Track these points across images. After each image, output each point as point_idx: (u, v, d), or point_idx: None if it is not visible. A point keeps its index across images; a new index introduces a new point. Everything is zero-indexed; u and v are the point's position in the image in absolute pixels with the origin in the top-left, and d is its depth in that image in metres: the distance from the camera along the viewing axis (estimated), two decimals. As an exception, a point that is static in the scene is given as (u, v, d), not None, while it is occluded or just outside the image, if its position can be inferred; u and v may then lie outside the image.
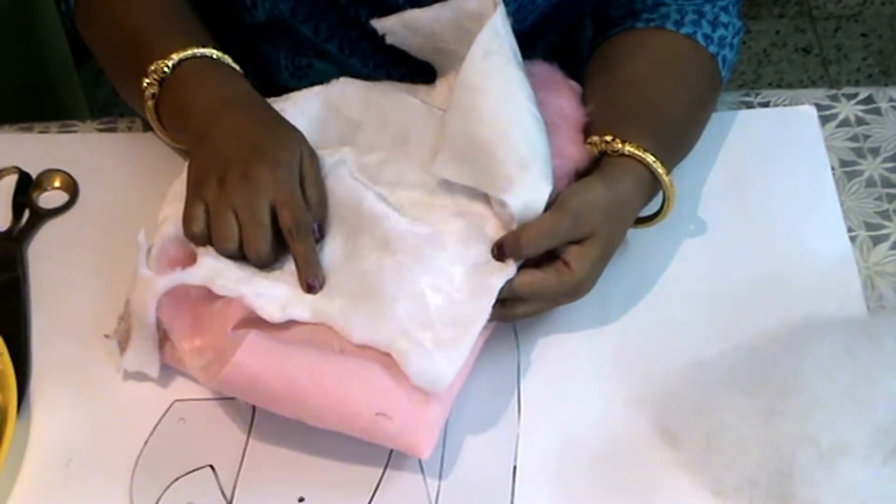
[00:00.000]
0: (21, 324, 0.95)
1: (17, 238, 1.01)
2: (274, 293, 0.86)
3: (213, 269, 0.86)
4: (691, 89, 0.99)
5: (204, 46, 0.95)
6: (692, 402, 0.86)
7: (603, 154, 0.91)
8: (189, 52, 0.94)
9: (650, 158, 0.90)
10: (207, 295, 0.86)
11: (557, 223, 0.86)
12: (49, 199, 1.04)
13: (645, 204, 0.93)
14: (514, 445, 0.86)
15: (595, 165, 0.92)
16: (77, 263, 0.99)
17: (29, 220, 1.02)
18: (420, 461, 0.84)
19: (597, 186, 0.89)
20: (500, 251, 0.86)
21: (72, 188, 1.04)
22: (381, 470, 0.84)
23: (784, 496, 0.80)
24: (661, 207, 0.93)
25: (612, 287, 0.94)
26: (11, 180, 1.05)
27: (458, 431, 0.87)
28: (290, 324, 0.86)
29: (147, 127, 1.07)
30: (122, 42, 0.99)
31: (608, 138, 0.90)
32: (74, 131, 1.09)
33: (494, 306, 0.84)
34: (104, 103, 1.98)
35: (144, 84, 0.94)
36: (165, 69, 0.93)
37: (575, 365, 0.91)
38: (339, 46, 1.05)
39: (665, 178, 0.90)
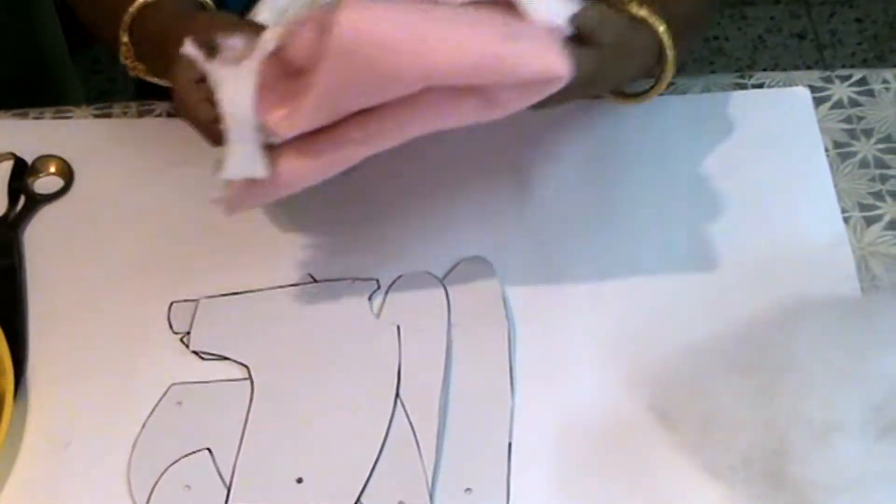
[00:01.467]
0: (17, 309, 0.95)
1: (13, 224, 1.01)
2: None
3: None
4: None
5: None
6: (687, 383, 0.86)
7: None
8: None
9: (661, 27, 0.86)
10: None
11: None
12: (44, 184, 1.04)
13: (644, 70, 0.90)
14: (509, 423, 0.86)
15: None
16: (73, 248, 0.99)
17: (24, 205, 1.02)
18: (416, 439, 0.85)
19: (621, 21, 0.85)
20: None
21: (67, 174, 1.05)
22: (377, 450, 0.85)
23: (778, 475, 0.80)
24: (654, 83, 0.91)
25: (606, 268, 0.95)
26: (7, 166, 1.05)
27: (453, 410, 0.87)
28: None
29: (142, 112, 1.07)
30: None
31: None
32: (69, 117, 1.09)
33: None
34: (100, 91, 1.99)
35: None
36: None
37: (570, 345, 0.91)
38: None
39: (669, 49, 0.87)
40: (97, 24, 1.01)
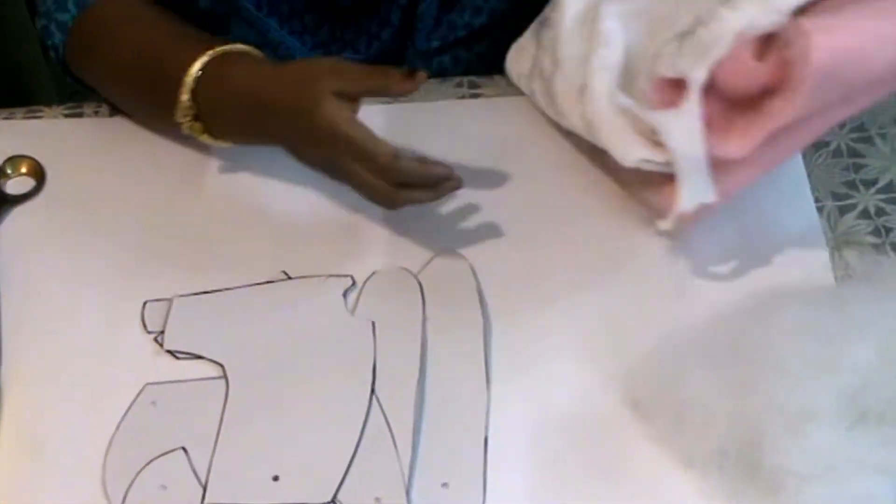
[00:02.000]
0: (-10, 310, 0.95)
1: (-15, 225, 1.01)
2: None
3: (700, 56, 0.84)
4: None
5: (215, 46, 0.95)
6: (662, 375, 0.86)
7: None
8: (212, 53, 0.94)
9: None
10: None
11: None
12: (16, 185, 1.04)
13: None
14: (485, 418, 0.86)
15: None
16: (45, 249, 0.99)
17: (-4, 206, 1.02)
18: (392, 435, 0.85)
19: None
20: None
21: (39, 174, 1.04)
22: (353, 446, 0.84)
23: (753, 465, 0.80)
24: None
25: (581, 262, 0.95)
26: (-23, 167, 1.04)
27: (429, 405, 0.87)
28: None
29: (114, 111, 1.07)
30: (131, 66, 0.99)
31: None
32: (40, 117, 1.09)
33: None
34: (72, 91, 1.98)
35: (181, 95, 0.94)
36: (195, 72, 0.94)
37: (545, 338, 0.91)
38: (280, 23, 1.06)
39: None
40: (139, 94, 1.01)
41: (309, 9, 1.07)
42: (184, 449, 0.86)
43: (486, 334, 0.91)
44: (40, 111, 1.09)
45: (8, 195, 1.03)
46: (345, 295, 0.94)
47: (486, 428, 0.86)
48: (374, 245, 0.98)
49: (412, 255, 0.97)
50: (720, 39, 0.84)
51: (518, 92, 1.07)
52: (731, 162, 0.87)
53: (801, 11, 0.83)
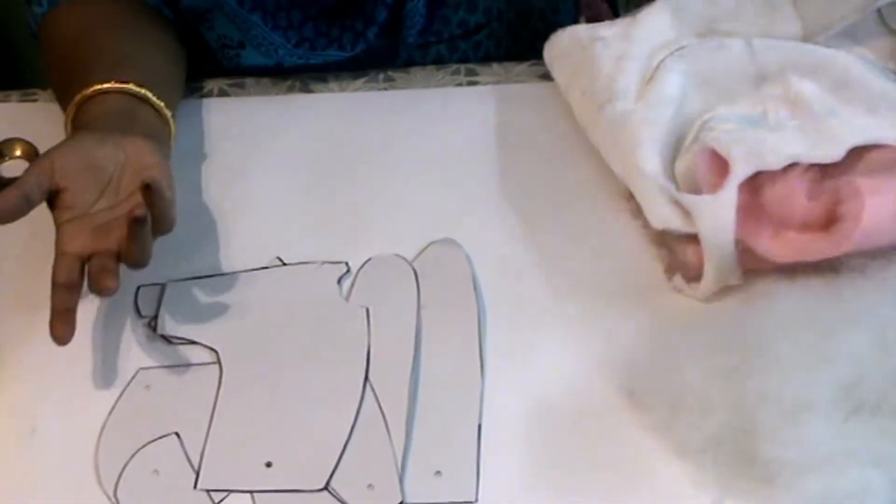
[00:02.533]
0: (-17, 293, 0.94)
1: (-21, 208, 1.00)
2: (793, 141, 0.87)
3: (749, 153, 0.87)
4: None
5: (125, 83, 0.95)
6: (657, 364, 0.86)
7: None
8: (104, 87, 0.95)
9: None
10: (755, 186, 0.87)
11: None
12: (11, 168, 1.03)
13: None
14: (479, 405, 0.86)
15: None
16: (39, 232, 0.98)
17: (-10, 189, 1.02)
18: (385, 422, 0.84)
19: None
20: None
21: (33, 157, 1.03)
22: (347, 433, 0.84)
23: (748, 455, 0.80)
24: None
25: (576, 250, 0.95)
26: (-28, 150, 1.04)
27: (423, 393, 0.87)
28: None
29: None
30: (66, 66, 1.00)
31: None
32: (35, 100, 1.09)
33: None
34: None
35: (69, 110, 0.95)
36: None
37: (539, 326, 0.91)
38: (263, 18, 1.06)
39: None
40: (62, 107, 1.02)
41: (294, 5, 1.06)
42: (177, 434, 0.85)
43: (481, 322, 0.91)
44: (35, 94, 1.09)
45: (3, 178, 1.02)
46: (339, 282, 0.94)
47: (480, 415, 0.86)
48: (369, 232, 0.98)
49: (407, 242, 0.96)
50: (778, 152, 0.88)
51: (515, 80, 1.07)
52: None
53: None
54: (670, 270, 0.93)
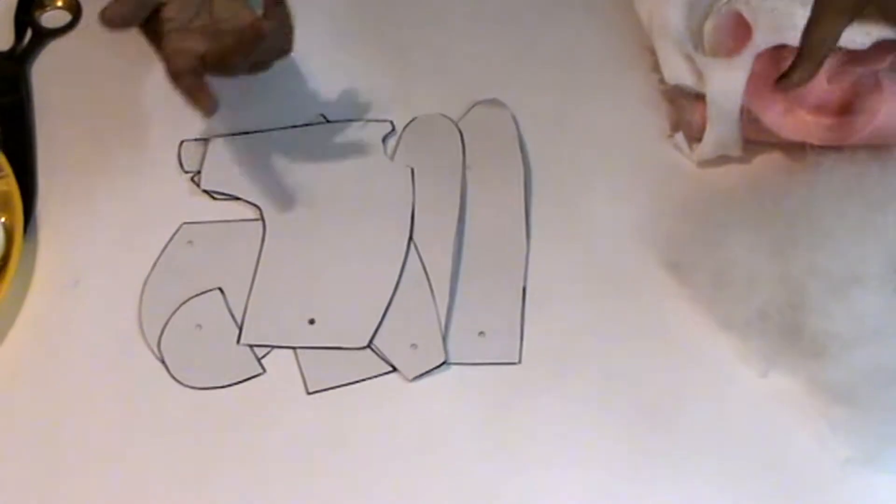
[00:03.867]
0: (26, 144, 0.93)
1: (20, 58, 0.99)
2: None
3: (775, 25, 0.85)
4: None
5: None
6: (701, 237, 0.85)
7: None
8: None
9: None
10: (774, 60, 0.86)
11: None
12: (51, 18, 1.02)
13: None
14: (524, 267, 0.86)
15: None
16: (81, 84, 0.97)
17: (31, 39, 1.00)
18: (429, 282, 0.84)
19: None
20: None
21: (74, 7, 1.02)
22: (390, 292, 0.84)
23: (795, 328, 0.80)
24: None
25: (628, 113, 0.94)
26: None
27: (468, 254, 0.86)
28: None
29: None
30: None
31: None
32: (77, -51, 1.07)
33: None
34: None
35: None
36: None
37: (586, 191, 0.90)
38: None
39: None
40: None
41: None
42: (220, 289, 0.85)
43: (527, 184, 0.90)
44: (77, -57, 1.07)
45: (44, 28, 1.01)
46: (384, 140, 0.93)
47: (525, 278, 0.85)
48: (415, 91, 0.96)
49: (453, 101, 0.95)
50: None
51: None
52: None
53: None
54: (675, 128, 0.92)
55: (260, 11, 0.83)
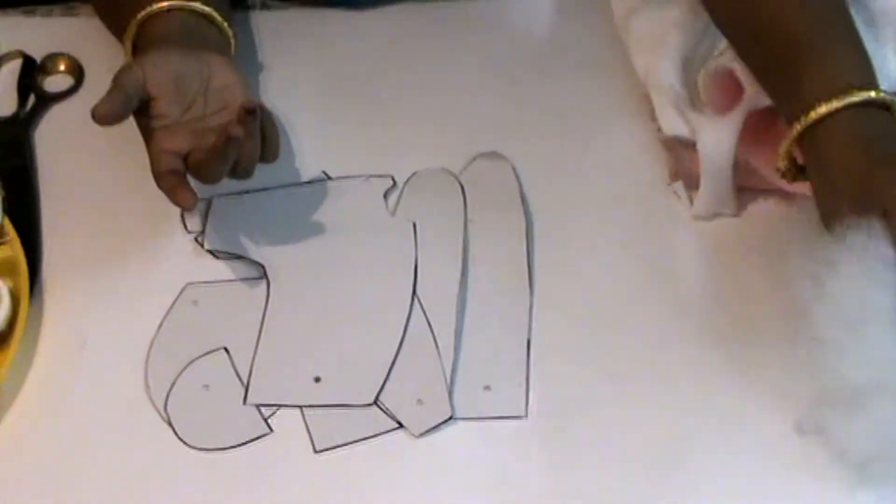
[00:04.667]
0: (31, 209, 0.94)
1: (24, 123, 1.00)
2: None
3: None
4: None
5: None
6: (705, 286, 0.87)
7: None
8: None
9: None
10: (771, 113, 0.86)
11: None
12: (54, 83, 1.03)
13: None
14: (528, 319, 0.86)
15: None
16: (84, 147, 0.98)
17: (35, 104, 1.01)
18: (434, 337, 0.84)
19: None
20: None
21: (77, 72, 1.03)
22: (395, 348, 0.84)
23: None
24: None
25: (626, 160, 0.95)
26: (16, 65, 1.03)
27: (471, 307, 0.87)
28: None
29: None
30: None
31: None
32: (77, 14, 1.08)
33: None
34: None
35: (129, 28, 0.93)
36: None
37: (587, 239, 0.91)
38: None
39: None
40: (109, 24, 1.01)
41: None
42: (226, 349, 0.86)
43: (529, 235, 0.90)
44: (77, 8, 1.08)
45: (46, 93, 1.02)
46: (386, 196, 0.93)
47: (529, 330, 0.85)
48: (415, 145, 0.97)
49: (453, 155, 0.95)
50: None
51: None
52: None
53: None
54: (673, 176, 0.92)
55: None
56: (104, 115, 0.85)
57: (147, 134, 0.88)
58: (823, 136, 0.78)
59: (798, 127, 0.79)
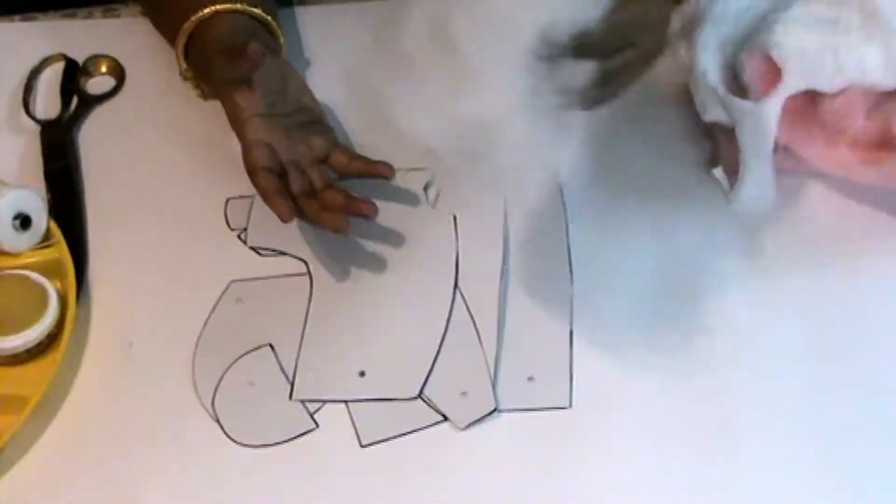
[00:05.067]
0: (76, 210, 0.95)
1: (67, 125, 1.01)
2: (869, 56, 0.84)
3: (806, 70, 0.85)
4: None
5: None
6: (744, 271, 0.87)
7: None
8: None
9: None
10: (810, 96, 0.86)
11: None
12: (96, 84, 1.04)
13: None
14: (570, 310, 0.86)
15: None
16: (127, 148, 0.99)
17: (78, 106, 1.02)
18: (476, 329, 0.85)
19: None
20: None
21: (118, 73, 1.04)
22: (439, 341, 0.84)
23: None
24: None
25: (664, 155, 0.94)
26: (58, 67, 1.05)
27: (513, 299, 0.87)
28: None
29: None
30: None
31: None
32: (118, 16, 1.09)
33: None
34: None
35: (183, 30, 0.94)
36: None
37: (626, 230, 0.90)
38: None
39: None
40: (158, 26, 1.02)
41: None
42: (270, 345, 0.86)
43: (568, 225, 0.90)
44: (117, 10, 1.09)
45: (90, 95, 1.03)
46: (425, 188, 0.93)
47: (572, 321, 0.85)
48: (454, 137, 0.96)
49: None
50: (838, 73, 0.84)
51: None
52: None
53: None
54: (714, 162, 0.92)
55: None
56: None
57: (240, 123, 0.88)
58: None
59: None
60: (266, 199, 0.86)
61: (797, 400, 0.81)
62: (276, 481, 0.81)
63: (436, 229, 0.90)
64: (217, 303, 0.89)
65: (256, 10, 0.95)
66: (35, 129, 1.01)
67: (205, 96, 0.98)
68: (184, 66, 0.96)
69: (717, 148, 0.92)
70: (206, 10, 0.93)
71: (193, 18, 0.93)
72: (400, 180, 0.93)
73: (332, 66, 1.03)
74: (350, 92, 1.00)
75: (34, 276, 0.88)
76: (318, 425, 0.83)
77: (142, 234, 0.94)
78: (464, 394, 0.82)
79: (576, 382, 0.83)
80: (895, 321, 0.84)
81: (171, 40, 0.96)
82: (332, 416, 0.83)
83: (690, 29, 0.93)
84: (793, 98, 0.86)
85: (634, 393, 0.82)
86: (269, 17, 0.95)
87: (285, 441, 0.82)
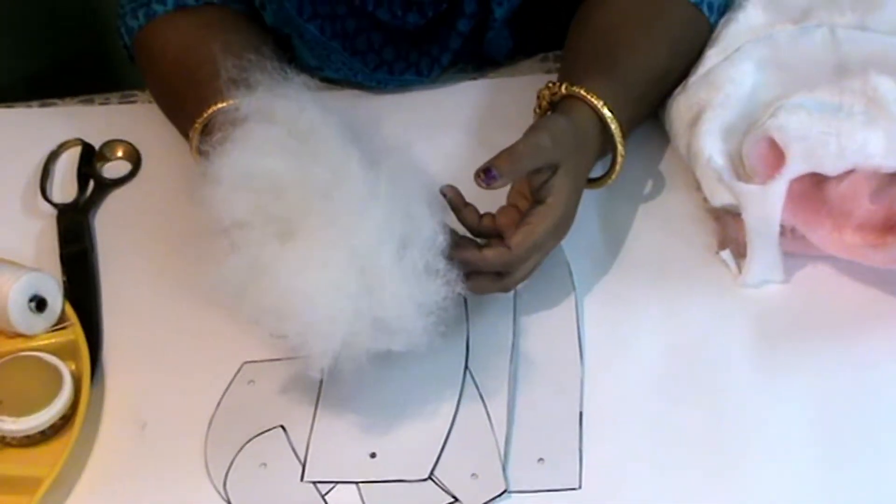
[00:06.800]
0: (91, 293, 0.97)
1: (84, 209, 1.02)
2: (871, 140, 0.86)
3: (808, 153, 0.86)
4: (663, 36, 0.98)
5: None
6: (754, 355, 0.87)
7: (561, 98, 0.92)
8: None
9: (597, 102, 0.89)
10: (816, 180, 0.88)
11: (538, 139, 0.85)
12: (113, 169, 1.06)
13: (602, 149, 0.92)
14: (580, 392, 0.86)
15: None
16: (143, 231, 1.00)
17: (94, 190, 1.04)
18: (487, 410, 0.85)
19: (558, 118, 0.89)
20: (486, 174, 0.83)
21: (134, 158, 1.06)
22: (449, 422, 0.85)
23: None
24: (611, 165, 0.93)
25: (670, 234, 0.96)
26: (75, 152, 1.07)
27: (523, 380, 0.87)
28: None
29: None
30: (173, 89, 1.01)
31: (565, 84, 0.91)
32: (134, 101, 1.11)
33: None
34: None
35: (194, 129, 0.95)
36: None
37: (636, 310, 0.91)
38: (343, 45, 1.06)
39: (612, 123, 0.90)
40: (171, 117, 1.04)
41: (374, 28, 1.06)
42: (282, 427, 0.87)
43: (578, 307, 0.91)
44: (134, 96, 1.11)
45: (105, 179, 1.05)
46: (437, 270, 0.94)
47: (581, 402, 0.86)
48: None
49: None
50: (840, 157, 0.86)
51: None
52: None
53: None
54: (721, 245, 0.93)
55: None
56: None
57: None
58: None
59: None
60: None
61: (807, 479, 0.81)
62: (288, 563, 0.81)
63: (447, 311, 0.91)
64: (230, 384, 0.90)
65: None
66: (52, 212, 1.02)
67: None
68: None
69: (726, 231, 0.93)
70: (220, 105, 0.92)
71: (206, 114, 0.93)
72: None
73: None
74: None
75: (49, 357, 0.89)
76: (329, 506, 0.83)
77: (156, 316, 0.95)
78: (474, 475, 0.82)
79: (585, 463, 0.83)
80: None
81: (184, 132, 0.98)
82: (343, 498, 0.83)
83: (695, 118, 0.94)
84: (798, 181, 0.87)
85: (643, 475, 0.82)
86: None
87: (297, 523, 0.82)
